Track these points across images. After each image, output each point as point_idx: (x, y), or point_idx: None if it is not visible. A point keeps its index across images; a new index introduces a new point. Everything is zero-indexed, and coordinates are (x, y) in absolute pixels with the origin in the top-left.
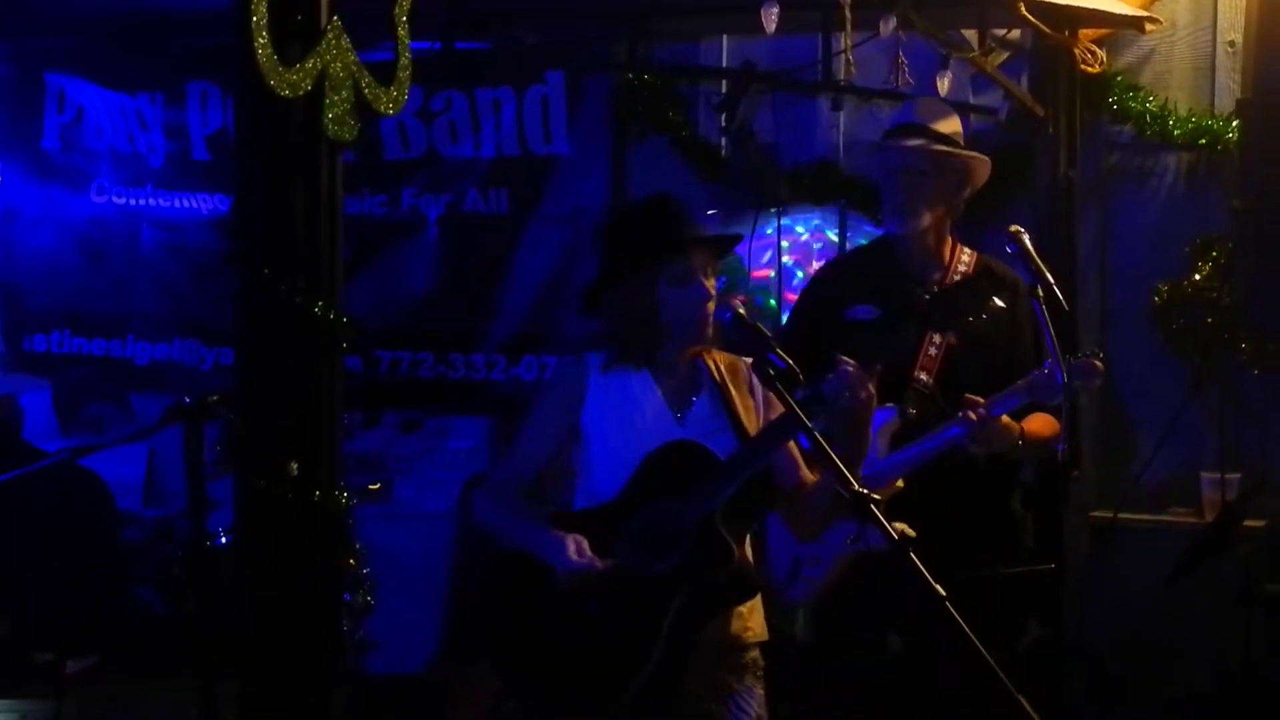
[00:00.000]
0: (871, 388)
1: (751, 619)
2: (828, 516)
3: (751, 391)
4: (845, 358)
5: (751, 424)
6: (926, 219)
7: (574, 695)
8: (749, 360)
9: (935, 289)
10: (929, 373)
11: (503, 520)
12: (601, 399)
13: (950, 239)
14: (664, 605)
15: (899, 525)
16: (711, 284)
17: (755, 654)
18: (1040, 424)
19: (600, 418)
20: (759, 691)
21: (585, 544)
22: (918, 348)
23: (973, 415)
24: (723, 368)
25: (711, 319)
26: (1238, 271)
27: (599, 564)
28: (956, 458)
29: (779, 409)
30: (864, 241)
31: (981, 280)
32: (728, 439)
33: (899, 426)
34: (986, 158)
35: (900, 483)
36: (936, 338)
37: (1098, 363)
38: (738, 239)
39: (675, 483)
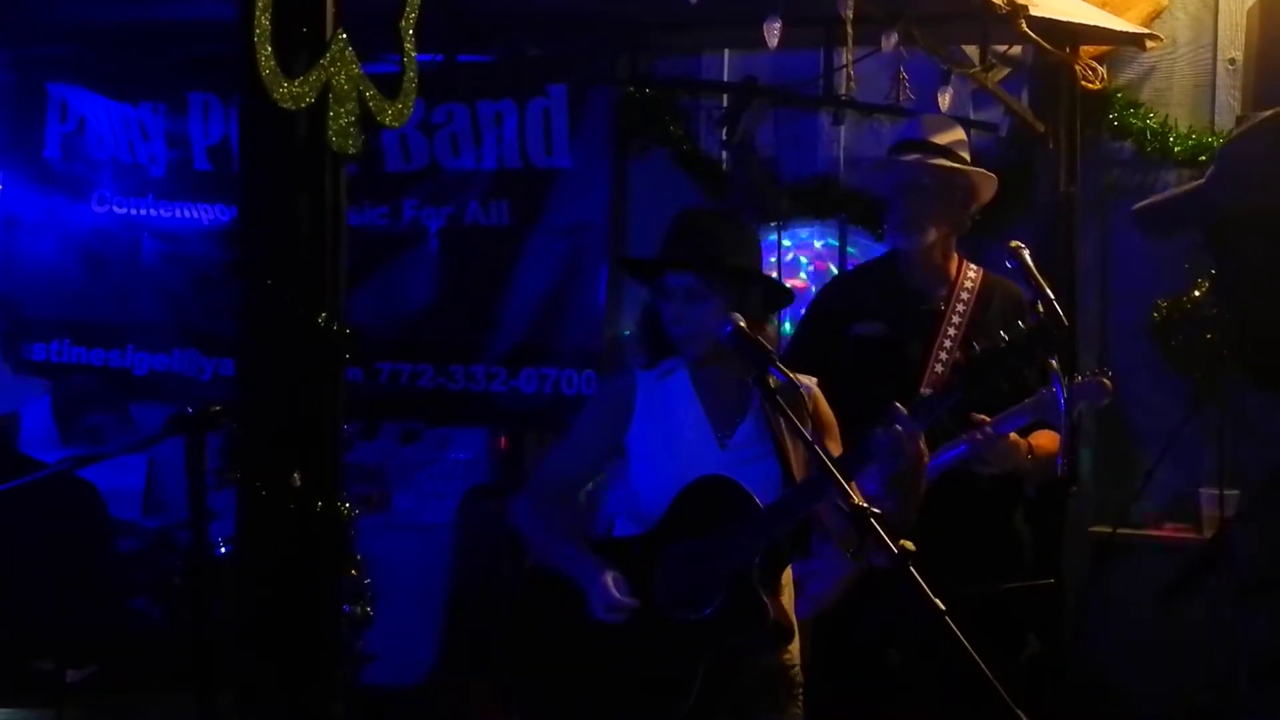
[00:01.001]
0: (922, 447)
1: (790, 646)
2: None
3: (802, 415)
4: (898, 418)
5: (796, 451)
6: (932, 234)
7: None
8: (808, 380)
9: (942, 307)
10: (935, 388)
11: (543, 536)
12: (648, 416)
13: (956, 255)
14: (694, 654)
15: (901, 541)
16: (702, 303)
17: (795, 673)
18: (1047, 440)
19: (645, 436)
20: (795, 711)
21: (623, 585)
22: (925, 363)
23: (979, 435)
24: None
25: (691, 340)
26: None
27: (632, 608)
28: (960, 474)
29: (831, 436)
30: (854, 253)
31: (1009, 356)
32: (769, 465)
33: None
34: (992, 174)
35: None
36: (943, 354)
37: (1106, 381)
38: (730, 271)
39: (711, 521)
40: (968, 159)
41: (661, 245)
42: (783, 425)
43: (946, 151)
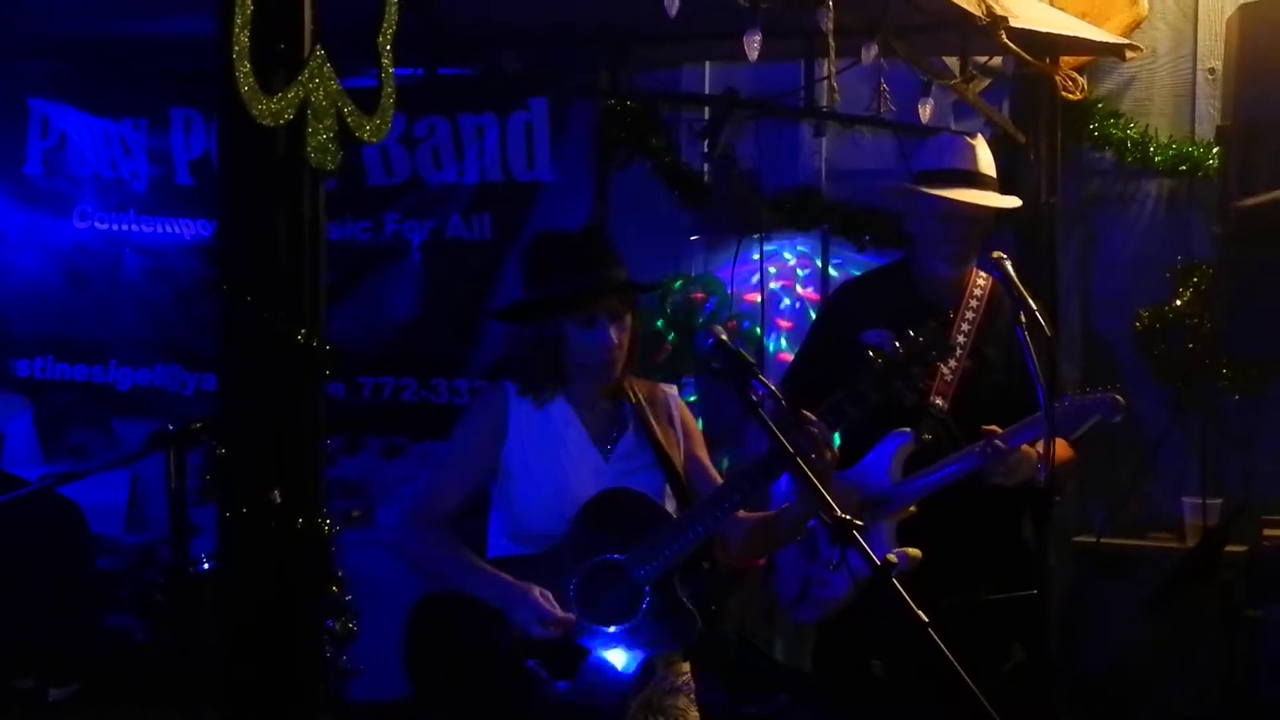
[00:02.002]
0: (835, 451)
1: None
2: (765, 547)
3: (671, 423)
4: (808, 417)
5: (675, 457)
6: (973, 261)
7: None
8: (669, 389)
9: (951, 315)
10: (944, 398)
11: (442, 559)
12: (524, 434)
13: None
14: (620, 665)
15: (911, 550)
16: (622, 325)
17: (687, 675)
18: (1060, 450)
19: (524, 454)
20: (693, 712)
21: (551, 599)
22: (934, 373)
23: (989, 448)
24: (643, 399)
25: (618, 362)
26: (1219, 297)
27: (569, 623)
28: (965, 484)
29: (696, 440)
30: (846, 267)
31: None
32: (654, 475)
33: (913, 450)
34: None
35: (913, 507)
36: (952, 363)
37: (1119, 397)
38: (650, 288)
39: (616, 533)
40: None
41: (564, 274)
42: (659, 435)
43: (994, 183)
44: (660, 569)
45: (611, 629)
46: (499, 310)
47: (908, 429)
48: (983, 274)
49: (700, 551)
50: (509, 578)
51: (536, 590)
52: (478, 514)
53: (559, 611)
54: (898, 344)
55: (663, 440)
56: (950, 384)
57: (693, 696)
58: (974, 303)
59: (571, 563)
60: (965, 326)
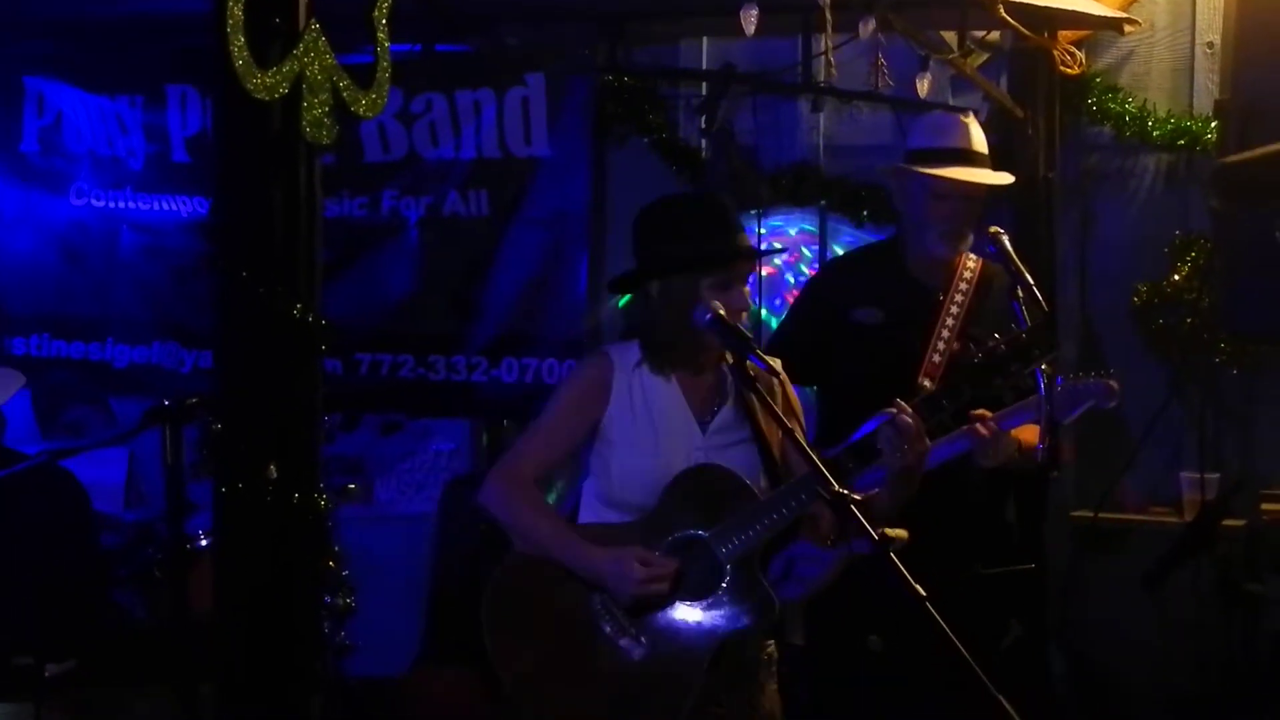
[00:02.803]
0: (927, 441)
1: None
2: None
3: (773, 398)
4: (904, 407)
5: (773, 435)
6: (969, 240)
7: (592, 716)
8: (774, 362)
9: (941, 296)
10: (932, 379)
11: (533, 521)
12: (626, 401)
13: None
14: (700, 639)
15: (896, 530)
16: (747, 291)
17: (773, 651)
18: (1031, 434)
19: (624, 421)
20: (770, 686)
21: (649, 555)
22: (923, 353)
23: (983, 430)
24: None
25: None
26: (1216, 273)
27: (665, 587)
28: (952, 465)
29: (797, 419)
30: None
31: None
32: (749, 451)
33: None
34: (1010, 175)
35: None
36: (941, 345)
37: (1113, 383)
38: (779, 250)
39: (706, 508)
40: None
41: (705, 236)
42: (759, 411)
43: (988, 160)
44: (742, 549)
45: (692, 603)
46: (622, 277)
47: (888, 411)
48: (973, 256)
49: (787, 533)
50: (599, 549)
51: (632, 557)
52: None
53: (659, 570)
54: (1001, 339)
55: (761, 416)
56: (939, 366)
57: (774, 671)
58: (964, 285)
59: (657, 536)
60: (955, 309)
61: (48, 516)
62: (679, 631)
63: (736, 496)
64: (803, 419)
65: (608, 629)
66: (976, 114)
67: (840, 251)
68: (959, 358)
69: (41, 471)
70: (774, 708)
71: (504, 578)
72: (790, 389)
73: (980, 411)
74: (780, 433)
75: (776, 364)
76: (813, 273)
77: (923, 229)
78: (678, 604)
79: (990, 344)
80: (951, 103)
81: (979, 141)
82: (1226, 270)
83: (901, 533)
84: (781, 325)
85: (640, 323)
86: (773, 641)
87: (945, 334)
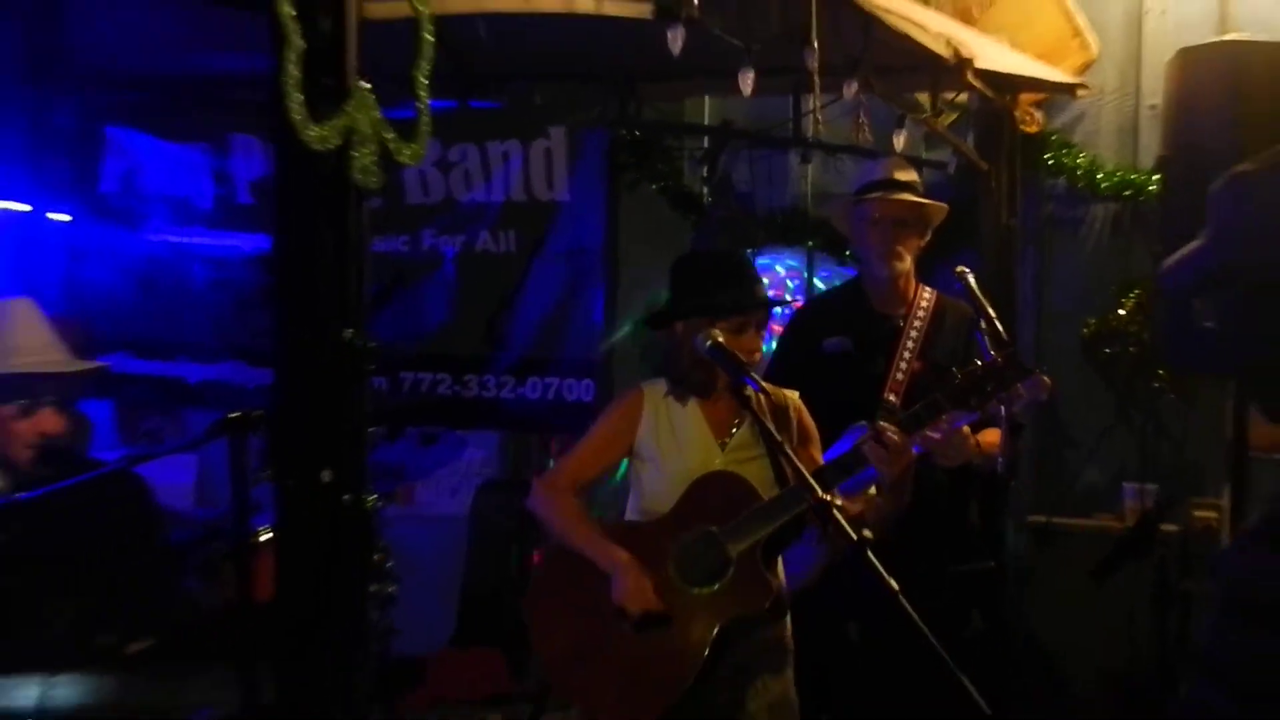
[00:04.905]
0: (913, 453)
1: (785, 619)
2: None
3: (786, 422)
4: (887, 427)
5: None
6: (906, 261)
7: (606, 691)
8: (790, 394)
9: (900, 324)
10: (897, 394)
11: (565, 522)
12: (655, 425)
13: (913, 280)
14: (703, 622)
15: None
16: (758, 334)
17: (788, 642)
18: (992, 436)
19: (655, 442)
20: (786, 674)
21: (646, 583)
22: (887, 373)
23: (932, 434)
24: (761, 399)
25: (753, 365)
26: (1154, 312)
27: (652, 605)
28: (920, 470)
29: (811, 441)
30: (833, 279)
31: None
32: (762, 466)
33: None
34: (945, 205)
35: (874, 490)
36: (903, 365)
37: (1045, 379)
38: (781, 304)
39: (718, 508)
40: (922, 192)
41: (721, 288)
42: (759, 429)
43: (910, 187)
44: (747, 543)
45: (700, 591)
46: (656, 315)
47: (865, 423)
48: (928, 289)
49: (788, 530)
50: (616, 548)
51: (633, 571)
52: None
53: (648, 594)
54: (979, 364)
55: (777, 431)
56: (901, 383)
57: (789, 658)
58: (920, 313)
59: (674, 531)
60: (914, 333)
61: (124, 515)
62: (689, 615)
63: (744, 499)
64: (817, 438)
65: (624, 614)
66: (946, 166)
67: (821, 285)
68: (920, 376)
69: (117, 476)
70: (787, 693)
71: (542, 572)
72: (805, 413)
73: (931, 435)
74: (789, 449)
75: (793, 395)
76: (797, 305)
77: (866, 254)
78: (689, 591)
79: (970, 368)
80: (925, 156)
81: (901, 172)
82: (1162, 309)
83: (868, 533)
84: (770, 360)
85: (664, 355)
86: (788, 630)
87: (906, 355)
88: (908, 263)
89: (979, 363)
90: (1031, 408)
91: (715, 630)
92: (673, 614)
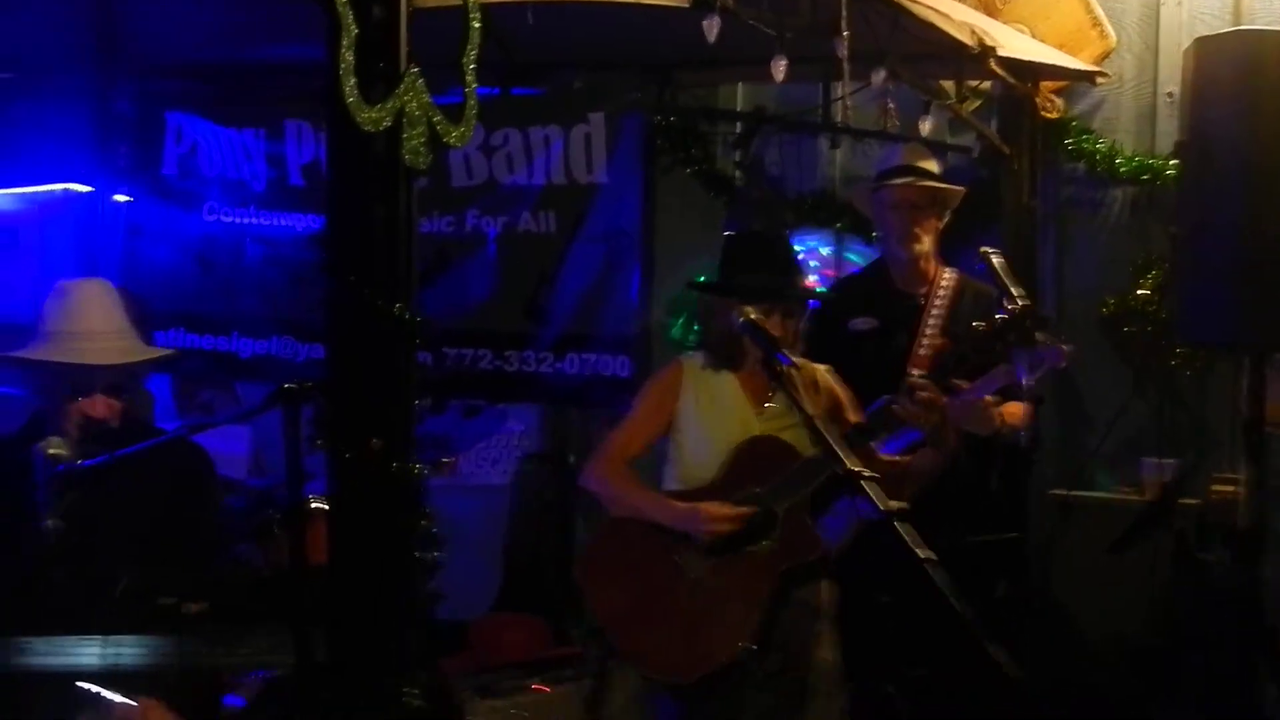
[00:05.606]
0: (944, 399)
1: (826, 583)
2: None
3: (816, 390)
4: (921, 381)
5: (819, 418)
6: (925, 243)
7: (669, 646)
8: (820, 366)
9: (923, 303)
10: (921, 369)
11: (625, 491)
12: (695, 397)
13: (934, 260)
14: (758, 574)
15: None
16: (789, 316)
17: (830, 607)
18: (1017, 409)
19: (695, 413)
20: (828, 637)
21: (723, 506)
22: (911, 348)
23: (956, 400)
24: (794, 371)
25: (783, 344)
26: (1172, 289)
27: (744, 513)
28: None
29: (844, 406)
30: (856, 259)
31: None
32: (800, 432)
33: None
34: (961, 188)
35: (899, 456)
36: (925, 342)
37: (1064, 346)
38: (811, 295)
39: (762, 471)
40: (940, 175)
41: (756, 272)
42: (791, 402)
43: (925, 172)
44: (792, 500)
45: (753, 546)
46: (699, 284)
47: (890, 396)
48: (949, 269)
49: (830, 493)
50: (680, 503)
51: (705, 504)
52: None
53: (730, 511)
54: (999, 317)
55: (808, 404)
56: (925, 359)
57: (834, 619)
58: (942, 292)
59: (723, 494)
60: (936, 311)
61: (184, 482)
62: (744, 569)
63: (784, 458)
64: (855, 403)
65: (685, 570)
66: (970, 151)
67: (853, 261)
68: (943, 352)
69: (178, 444)
70: (832, 656)
71: (596, 541)
72: (836, 384)
73: (956, 382)
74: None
75: (821, 368)
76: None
77: (888, 236)
78: (742, 548)
79: (990, 320)
80: (949, 141)
81: (919, 159)
82: (1180, 287)
83: (901, 504)
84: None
85: (703, 327)
86: (830, 590)
87: (929, 332)
88: (926, 244)
89: (997, 315)
90: (1050, 377)
91: (771, 585)
92: (732, 568)
